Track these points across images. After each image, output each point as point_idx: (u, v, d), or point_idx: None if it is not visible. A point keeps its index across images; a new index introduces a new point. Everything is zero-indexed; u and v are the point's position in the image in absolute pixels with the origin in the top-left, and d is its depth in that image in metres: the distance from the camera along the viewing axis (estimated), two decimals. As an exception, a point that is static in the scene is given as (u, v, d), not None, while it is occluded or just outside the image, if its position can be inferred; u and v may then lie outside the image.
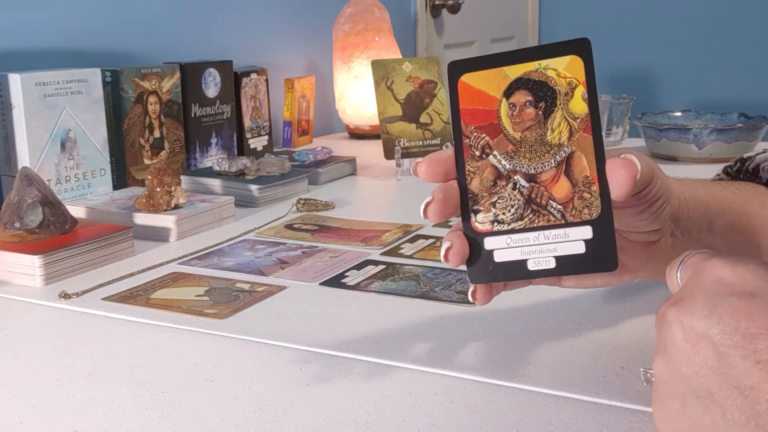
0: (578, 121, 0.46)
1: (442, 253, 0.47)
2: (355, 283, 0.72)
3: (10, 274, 0.74)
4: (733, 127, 1.26)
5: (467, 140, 0.48)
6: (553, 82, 0.46)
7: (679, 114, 1.42)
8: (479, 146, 0.48)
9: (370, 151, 1.46)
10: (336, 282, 0.72)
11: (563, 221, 0.45)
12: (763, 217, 0.56)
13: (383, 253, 0.81)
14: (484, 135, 0.47)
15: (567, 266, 0.45)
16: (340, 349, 0.57)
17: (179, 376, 0.53)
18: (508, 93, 0.47)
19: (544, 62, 0.46)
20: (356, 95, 1.65)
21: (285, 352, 0.57)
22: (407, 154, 1.23)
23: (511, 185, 0.47)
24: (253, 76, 1.38)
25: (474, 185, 0.48)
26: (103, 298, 0.69)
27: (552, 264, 0.46)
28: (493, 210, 0.47)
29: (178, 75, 1.18)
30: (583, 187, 0.45)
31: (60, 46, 1.17)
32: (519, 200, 0.47)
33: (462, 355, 0.55)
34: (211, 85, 1.26)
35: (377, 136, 1.39)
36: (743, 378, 0.34)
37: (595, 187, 0.45)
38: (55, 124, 0.98)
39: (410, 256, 0.79)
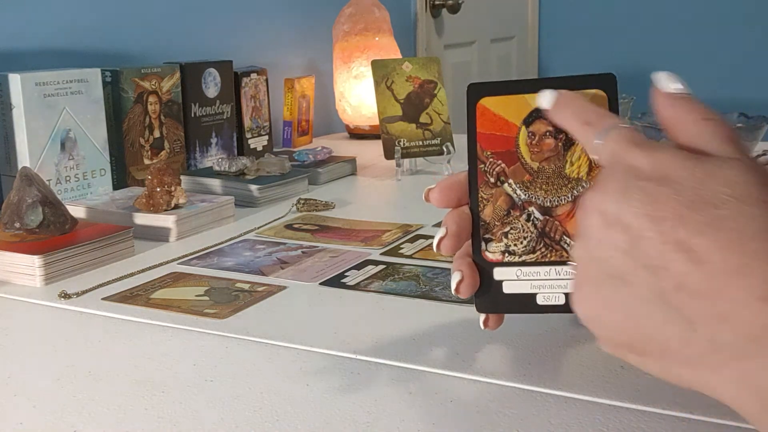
0: None
1: (453, 286, 0.47)
2: (355, 283, 0.72)
3: (10, 274, 0.74)
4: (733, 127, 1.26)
5: (482, 165, 0.47)
6: None
7: (679, 114, 1.42)
8: (494, 173, 0.47)
9: (370, 151, 1.46)
10: (336, 282, 0.72)
11: None
12: None
13: (383, 253, 0.81)
14: (500, 161, 0.47)
15: None
16: (340, 349, 0.57)
17: (179, 376, 0.53)
18: (529, 121, 0.46)
19: None
20: (356, 95, 1.65)
21: (285, 352, 0.57)
22: (407, 154, 1.23)
23: (525, 216, 0.46)
24: (253, 76, 1.38)
25: (486, 213, 0.47)
26: (103, 298, 0.69)
27: (561, 300, 0.45)
28: (505, 240, 0.46)
29: (178, 75, 1.18)
30: None
31: (60, 46, 1.17)
32: (532, 233, 0.46)
33: (462, 355, 0.55)
34: (211, 85, 1.26)
35: (377, 136, 1.39)
36: (651, 258, 0.36)
37: None
38: (55, 124, 0.98)
39: (410, 256, 0.79)
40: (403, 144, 1.22)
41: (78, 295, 0.70)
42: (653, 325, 0.37)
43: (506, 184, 0.46)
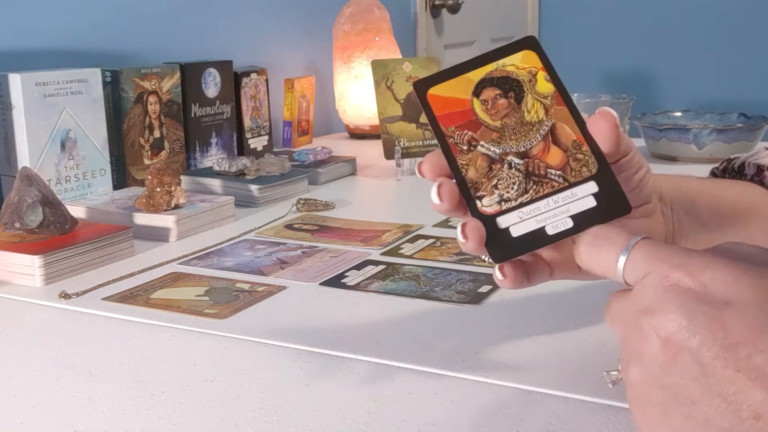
0: (549, 98, 0.48)
1: (459, 231, 0.46)
2: (355, 283, 0.72)
3: (10, 274, 0.74)
4: (733, 127, 1.26)
5: (451, 139, 0.49)
6: (514, 74, 0.49)
7: (679, 114, 1.42)
8: (465, 141, 0.49)
9: (370, 151, 1.46)
10: (336, 282, 0.72)
11: (566, 183, 0.47)
12: (747, 203, 0.57)
13: (383, 253, 0.81)
14: (466, 131, 0.49)
15: (584, 221, 0.46)
16: (340, 349, 0.57)
17: (179, 376, 0.53)
18: (477, 93, 0.49)
19: (501, 61, 0.49)
20: (356, 95, 1.65)
21: (285, 352, 0.57)
22: (407, 154, 1.23)
23: (506, 166, 0.48)
24: (253, 76, 1.38)
25: (471, 175, 0.48)
26: (103, 298, 0.69)
27: (570, 224, 0.46)
28: (497, 191, 0.48)
29: (178, 75, 1.18)
30: (575, 150, 0.47)
31: (60, 46, 1.17)
32: (518, 176, 0.48)
33: (462, 355, 0.55)
34: (211, 85, 1.26)
35: (377, 136, 1.39)
36: (725, 386, 0.34)
37: (585, 147, 0.47)
38: (55, 124, 0.98)
39: (410, 256, 0.79)
40: (403, 144, 1.22)
41: (78, 295, 0.70)
42: None
43: (479, 146, 0.49)
